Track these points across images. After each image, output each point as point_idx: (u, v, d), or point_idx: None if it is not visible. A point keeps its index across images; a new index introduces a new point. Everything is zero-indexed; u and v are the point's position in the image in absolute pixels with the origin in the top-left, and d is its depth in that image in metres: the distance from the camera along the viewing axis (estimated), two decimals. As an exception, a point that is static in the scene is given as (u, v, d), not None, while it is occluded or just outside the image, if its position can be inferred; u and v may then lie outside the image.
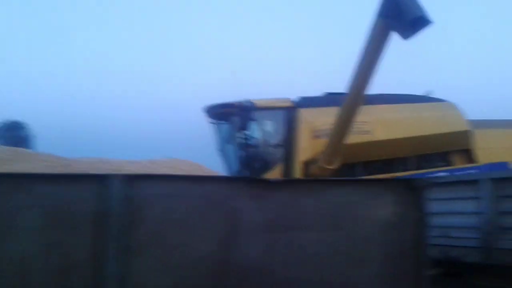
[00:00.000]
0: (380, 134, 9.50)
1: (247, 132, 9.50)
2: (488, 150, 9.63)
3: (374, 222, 3.74)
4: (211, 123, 10.48)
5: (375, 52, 6.68)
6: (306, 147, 9.32)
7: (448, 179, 5.61)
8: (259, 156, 9.66)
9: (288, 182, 3.49)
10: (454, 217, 5.53)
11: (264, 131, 9.80)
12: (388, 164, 9.87)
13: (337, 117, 7.82)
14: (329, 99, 9.65)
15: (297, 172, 9.19)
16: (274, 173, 9.45)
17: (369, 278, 3.75)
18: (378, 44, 6.59)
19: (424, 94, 10.53)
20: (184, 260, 3.25)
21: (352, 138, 8.33)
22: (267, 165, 9.58)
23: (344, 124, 7.73)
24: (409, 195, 3.80)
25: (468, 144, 9.75)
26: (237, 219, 3.31)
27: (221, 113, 10.08)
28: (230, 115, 9.71)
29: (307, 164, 9.26)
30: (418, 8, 5.62)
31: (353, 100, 7.39)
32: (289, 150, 9.62)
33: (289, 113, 9.68)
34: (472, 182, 5.23)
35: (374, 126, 9.45)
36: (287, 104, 9.76)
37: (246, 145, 9.62)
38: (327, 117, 8.71)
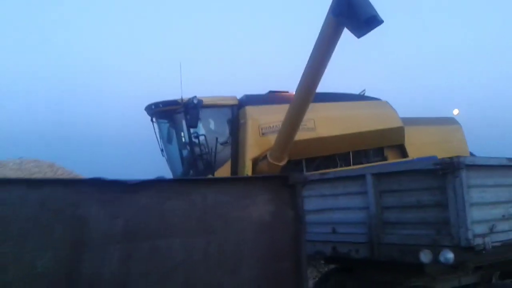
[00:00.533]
0: (324, 131, 9.63)
1: (194, 130, 9.21)
2: (417, 146, 10.01)
3: (248, 223, 3.48)
4: (154, 122, 9.98)
5: (326, 49, 6.79)
6: (254, 144, 9.26)
7: (335, 174, 5.56)
8: (206, 154, 9.37)
9: (148, 183, 3.10)
10: (344, 212, 5.48)
11: (210, 129, 9.56)
12: (331, 160, 9.97)
13: (287, 114, 7.80)
14: (272, 98, 9.73)
15: (246, 170, 9.08)
16: (223, 171, 9.25)
17: (245, 283, 3.48)
18: (330, 42, 6.71)
19: (359, 93, 10.88)
20: (19, 279, 2.73)
21: (298, 135, 8.38)
22: (214, 164, 9.31)
23: (294, 121, 7.77)
24: (284, 193, 3.59)
25: (401, 140, 10.11)
26: (85, 229, 2.86)
27: (165, 111, 9.63)
28: (176, 113, 9.31)
29: (256, 161, 9.15)
30: (371, 7, 5.84)
31: (303, 97, 7.46)
32: (237, 147, 9.46)
33: (236, 110, 9.58)
34: (359, 178, 5.20)
35: (317, 123, 9.56)
36: (233, 101, 9.62)
37: (193, 144, 9.32)
38: (272, 115, 8.98)
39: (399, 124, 10.26)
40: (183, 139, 9.73)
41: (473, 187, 4.43)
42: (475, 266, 4.84)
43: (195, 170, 9.55)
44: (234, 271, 3.42)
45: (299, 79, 7.50)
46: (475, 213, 4.39)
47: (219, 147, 9.44)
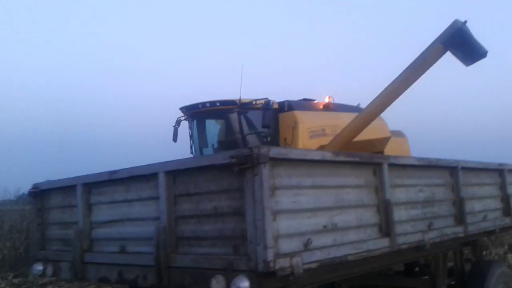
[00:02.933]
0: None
1: (255, 130, 9.13)
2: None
3: None
4: (193, 121, 9.71)
5: (422, 69, 7.40)
6: (304, 147, 9.14)
7: (129, 173, 4.16)
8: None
9: None
10: (136, 225, 4.10)
11: (257, 130, 9.25)
12: None
13: (357, 118, 8.15)
14: (309, 105, 9.91)
15: None
16: None
17: None
18: (428, 64, 7.35)
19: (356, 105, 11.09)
20: None
21: (320, 140, 8.92)
22: None
23: (360, 125, 8.12)
24: None
25: (382, 148, 10.23)
26: None
27: (219, 110, 9.40)
28: (232, 113, 9.10)
29: None
30: (482, 46, 7.08)
31: (378, 105, 7.87)
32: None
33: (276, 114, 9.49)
34: (153, 178, 3.85)
35: (328, 131, 9.63)
36: (275, 105, 9.45)
37: (246, 143, 9.04)
38: (316, 121, 9.43)
39: (387, 134, 10.67)
40: (235, 136, 9.28)
41: (282, 189, 3.29)
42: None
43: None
44: None
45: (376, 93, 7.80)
46: (282, 224, 3.23)
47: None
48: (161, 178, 3.74)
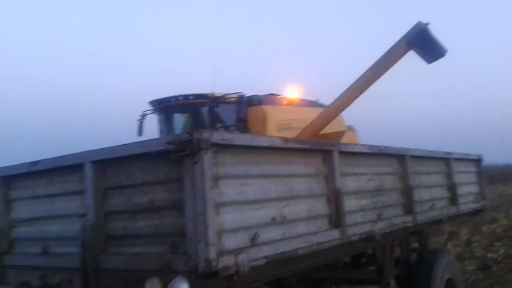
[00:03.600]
0: (297, 132, 9.40)
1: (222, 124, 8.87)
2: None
3: None
4: (163, 115, 9.45)
5: (386, 67, 7.50)
6: None
7: (52, 163, 3.64)
8: None
9: None
10: (60, 223, 3.61)
11: (228, 124, 9.05)
12: None
13: (324, 113, 8.18)
14: (275, 99, 9.89)
15: None
16: None
17: None
18: (391, 62, 7.47)
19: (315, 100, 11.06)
20: None
21: (286, 133, 8.61)
22: None
23: (325, 120, 8.12)
24: None
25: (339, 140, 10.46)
26: None
27: (190, 104, 9.19)
28: (203, 106, 8.88)
29: None
30: (442, 45, 7.34)
31: (344, 101, 7.88)
32: None
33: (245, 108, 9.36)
34: (78, 168, 3.38)
35: (294, 124, 9.50)
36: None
37: None
38: (283, 115, 9.42)
39: (343, 128, 10.68)
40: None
41: (226, 178, 2.94)
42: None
43: None
44: None
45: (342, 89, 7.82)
46: (226, 218, 2.89)
47: None
48: (88, 168, 3.28)
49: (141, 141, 3.08)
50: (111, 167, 3.25)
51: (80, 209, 3.38)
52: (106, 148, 3.24)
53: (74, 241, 3.37)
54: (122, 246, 3.20)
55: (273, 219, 3.27)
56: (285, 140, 3.54)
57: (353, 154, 4.40)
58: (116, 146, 3.17)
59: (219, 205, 2.83)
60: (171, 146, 2.76)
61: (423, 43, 7.44)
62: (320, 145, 3.96)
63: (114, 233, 3.23)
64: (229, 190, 2.95)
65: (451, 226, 13.70)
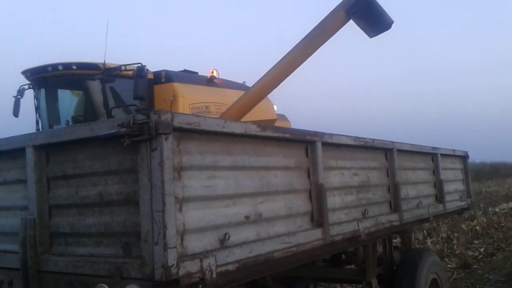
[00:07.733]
0: (216, 117, 8.45)
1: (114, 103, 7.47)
2: None
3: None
4: (41, 89, 7.69)
5: (321, 39, 6.57)
6: None
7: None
8: None
9: None
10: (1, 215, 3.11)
11: (124, 101, 7.73)
12: None
13: (245, 95, 6.95)
14: (191, 77, 8.61)
15: None
16: None
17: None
18: (328, 34, 6.53)
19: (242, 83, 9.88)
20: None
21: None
22: None
23: (248, 104, 6.87)
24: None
25: None
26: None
27: (74, 75, 7.46)
28: (94, 79, 7.35)
29: None
30: (388, 16, 6.42)
31: (270, 81, 6.74)
32: None
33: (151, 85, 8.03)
34: (19, 155, 2.88)
35: (212, 109, 8.48)
36: (150, 75, 7.94)
37: (109, 116, 7.39)
38: (198, 95, 8.27)
39: (273, 117, 9.68)
40: (97, 110, 7.49)
41: (191, 170, 2.49)
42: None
43: None
44: None
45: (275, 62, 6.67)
46: (191, 215, 2.44)
47: None
48: (29, 154, 2.78)
49: (89, 123, 2.59)
50: (55, 153, 2.76)
51: (22, 201, 2.89)
52: (49, 130, 2.77)
53: (14, 238, 2.88)
54: (68, 245, 2.73)
55: (246, 217, 2.84)
56: (263, 127, 3.10)
57: (338, 146, 4.00)
58: (60, 129, 2.71)
59: (182, 201, 2.38)
60: (123, 130, 2.29)
61: (364, 11, 6.37)
62: (302, 135, 3.53)
63: (59, 230, 2.76)
64: (195, 183, 2.50)
65: (430, 222, 13.60)
